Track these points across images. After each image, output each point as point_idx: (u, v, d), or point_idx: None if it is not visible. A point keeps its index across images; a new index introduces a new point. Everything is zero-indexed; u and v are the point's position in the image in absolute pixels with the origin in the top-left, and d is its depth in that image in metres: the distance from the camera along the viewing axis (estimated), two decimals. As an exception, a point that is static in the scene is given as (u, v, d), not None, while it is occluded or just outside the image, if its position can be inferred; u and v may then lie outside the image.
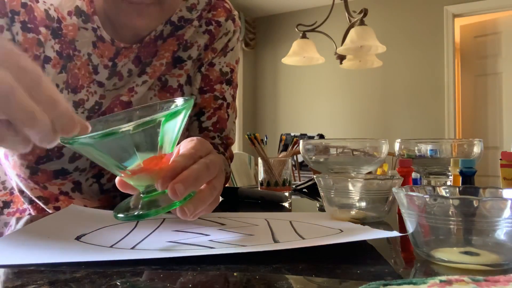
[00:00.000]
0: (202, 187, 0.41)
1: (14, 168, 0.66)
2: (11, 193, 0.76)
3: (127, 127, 0.33)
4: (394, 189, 0.37)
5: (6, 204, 0.75)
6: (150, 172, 0.38)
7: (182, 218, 0.40)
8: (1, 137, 0.31)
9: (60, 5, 0.64)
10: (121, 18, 0.62)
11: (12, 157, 0.65)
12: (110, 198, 0.73)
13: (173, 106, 0.41)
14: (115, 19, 0.65)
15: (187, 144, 0.44)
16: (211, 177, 0.42)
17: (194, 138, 0.46)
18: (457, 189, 0.40)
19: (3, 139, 0.32)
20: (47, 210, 0.71)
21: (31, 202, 0.72)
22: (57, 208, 0.70)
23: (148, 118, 0.35)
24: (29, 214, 0.74)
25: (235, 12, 0.81)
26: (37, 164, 0.64)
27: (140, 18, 0.60)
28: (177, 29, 0.73)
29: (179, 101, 0.41)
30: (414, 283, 0.25)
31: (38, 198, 0.70)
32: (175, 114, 0.36)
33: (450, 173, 0.72)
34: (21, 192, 0.71)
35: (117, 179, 0.42)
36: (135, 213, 0.39)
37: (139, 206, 0.40)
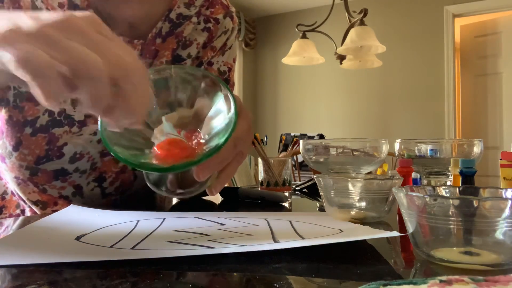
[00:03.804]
0: None
1: (12, 170, 0.65)
2: (3, 198, 0.73)
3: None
4: (394, 189, 0.37)
5: None
6: None
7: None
8: (111, 107, 0.34)
9: None
10: (107, 8, 0.59)
11: (10, 159, 0.64)
12: (111, 202, 0.72)
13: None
14: (104, 11, 0.62)
15: None
16: (237, 152, 0.42)
17: None
18: (457, 189, 0.40)
19: (113, 109, 0.34)
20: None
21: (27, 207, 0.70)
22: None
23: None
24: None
25: (233, 9, 0.80)
26: (37, 165, 0.63)
27: (126, 5, 0.57)
28: (176, 27, 0.72)
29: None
30: (414, 283, 0.25)
31: (36, 202, 0.68)
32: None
33: (450, 173, 0.72)
34: (18, 196, 0.69)
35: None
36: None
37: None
